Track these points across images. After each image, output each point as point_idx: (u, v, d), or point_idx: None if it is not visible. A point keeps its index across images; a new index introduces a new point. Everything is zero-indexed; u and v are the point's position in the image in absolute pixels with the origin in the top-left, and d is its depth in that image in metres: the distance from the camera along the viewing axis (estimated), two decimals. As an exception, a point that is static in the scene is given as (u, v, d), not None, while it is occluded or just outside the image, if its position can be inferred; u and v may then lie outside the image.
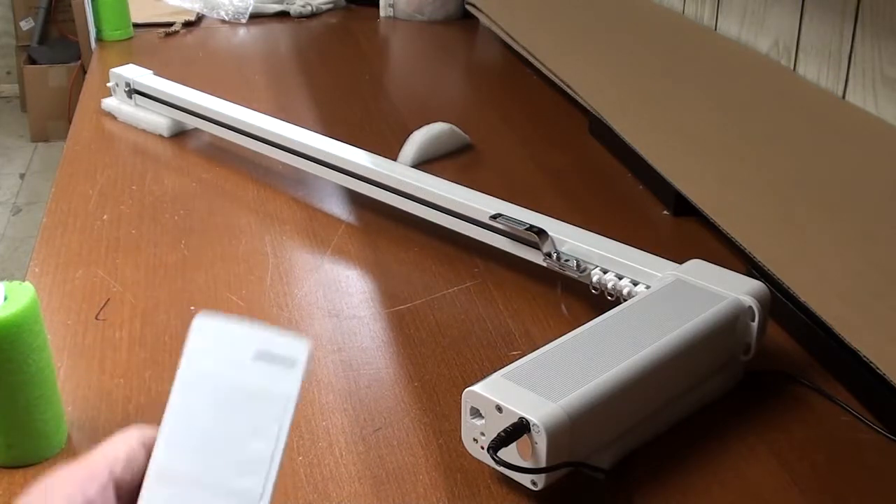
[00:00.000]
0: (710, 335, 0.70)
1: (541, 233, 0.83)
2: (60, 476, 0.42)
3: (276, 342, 0.43)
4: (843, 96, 1.02)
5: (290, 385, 0.42)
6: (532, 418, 0.59)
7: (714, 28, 1.28)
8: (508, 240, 0.87)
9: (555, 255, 0.83)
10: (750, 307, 0.72)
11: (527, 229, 0.84)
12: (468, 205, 0.90)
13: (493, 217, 0.86)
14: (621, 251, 0.81)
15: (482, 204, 0.90)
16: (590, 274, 0.81)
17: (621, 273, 0.80)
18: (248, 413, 0.42)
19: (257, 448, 0.42)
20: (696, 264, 0.78)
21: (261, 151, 1.09)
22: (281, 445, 0.42)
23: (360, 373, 0.76)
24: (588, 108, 1.22)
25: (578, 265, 0.81)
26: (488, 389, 0.62)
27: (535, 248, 0.84)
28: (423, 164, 1.13)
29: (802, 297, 0.77)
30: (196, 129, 1.20)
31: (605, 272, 0.81)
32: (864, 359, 0.70)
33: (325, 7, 1.87)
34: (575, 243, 0.83)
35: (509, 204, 0.89)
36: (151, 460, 0.43)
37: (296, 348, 0.43)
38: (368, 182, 0.98)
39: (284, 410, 0.42)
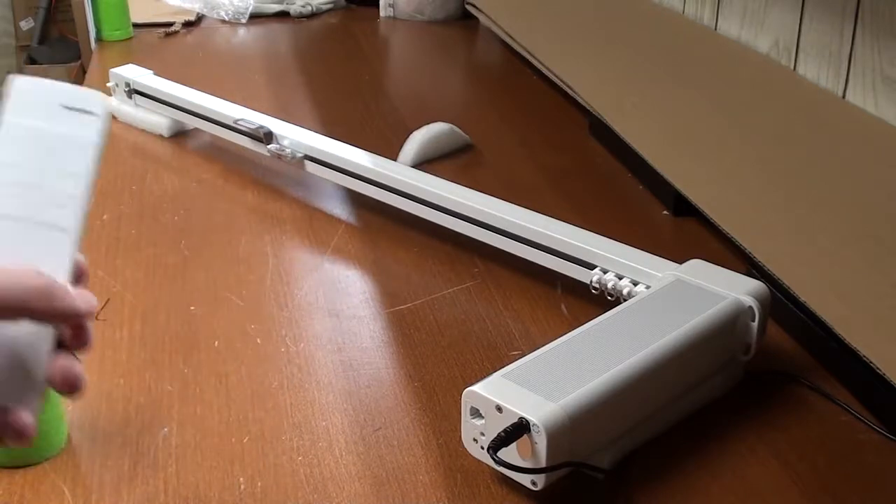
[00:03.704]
0: (710, 335, 0.70)
1: (268, 133, 1.05)
2: None
3: (77, 96, 0.50)
4: (843, 96, 1.02)
5: (92, 131, 0.49)
6: (532, 418, 0.59)
7: (714, 28, 1.28)
8: (249, 139, 1.08)
9: (276, 149, 1.04)
10: (750, 307, 0.72)
11: (258, 129, 1.06)
12: (468, 205, 0.90)
13: (236, 121, 1.09)
14: (621, 251, 0.81)
15: (482, 204, 0.90)
16: (303, 164, 1.03)
17: (621, 273, 0.80)
18: (58, 156, 0.49)
19: (66, 186, 0.48)
20: (696, 264, 0.78)
21: (261, 151, 1.09)
22: (84, 185, 0.48)
23: (360, 373, 0.76)
24: (588, 108, 1.22)
25: (293, 155, 1.02)
26: (488, 389, 0.62)
27: (261, 142, 1.06)
28: (423, 164, 1.13)
29: (802, 297, 0.77)
30: (196, 129, 1.20)
31: (605, 272, 0.81)
32: (864, 359, 0.70)
33: (325, 7, 1.87)
34: (574, 242, 0.83)
35: (249, 110, 1.11)
36: None
37: (95, 101, 0.50)
38: (368, 182, 0.98)
39: (88, 154, 0.49)
